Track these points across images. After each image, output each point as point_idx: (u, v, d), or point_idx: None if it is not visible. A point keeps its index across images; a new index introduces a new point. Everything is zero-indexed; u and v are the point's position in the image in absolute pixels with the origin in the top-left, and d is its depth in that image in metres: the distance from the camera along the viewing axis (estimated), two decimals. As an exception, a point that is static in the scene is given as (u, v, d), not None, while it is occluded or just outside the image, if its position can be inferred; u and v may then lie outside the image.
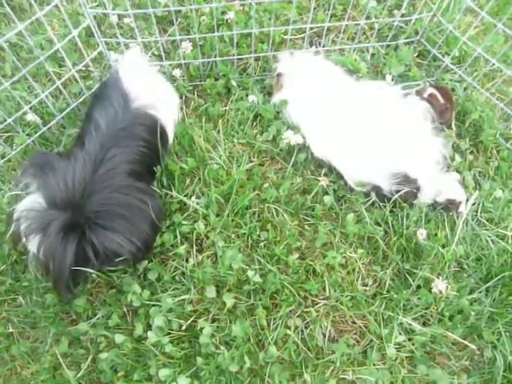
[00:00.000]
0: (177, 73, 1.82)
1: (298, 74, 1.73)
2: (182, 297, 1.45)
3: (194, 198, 1.58)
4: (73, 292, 1.39)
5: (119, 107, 1.45)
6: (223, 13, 1.89)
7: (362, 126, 1.60)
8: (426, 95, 1.73)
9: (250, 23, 1.78)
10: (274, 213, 1.58)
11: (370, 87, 1.71)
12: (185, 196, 1.60)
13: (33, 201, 1.32)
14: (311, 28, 1.85)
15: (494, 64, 1.83)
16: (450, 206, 1.63)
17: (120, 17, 1.89)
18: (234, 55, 1.79)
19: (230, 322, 1.44)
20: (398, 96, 1.68)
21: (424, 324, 1.50)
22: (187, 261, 1.52)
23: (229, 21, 1.81)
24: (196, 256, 1.53)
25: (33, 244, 1.29)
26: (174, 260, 1.53)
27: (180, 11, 1.94)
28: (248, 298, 1.48)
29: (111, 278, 1.48)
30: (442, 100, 1.69)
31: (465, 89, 1.89)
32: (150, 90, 1.54)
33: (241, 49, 1.84)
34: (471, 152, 1.82)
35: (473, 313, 1.48)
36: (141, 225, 1.39)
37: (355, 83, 1.75)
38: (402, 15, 1.89)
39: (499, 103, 1.83)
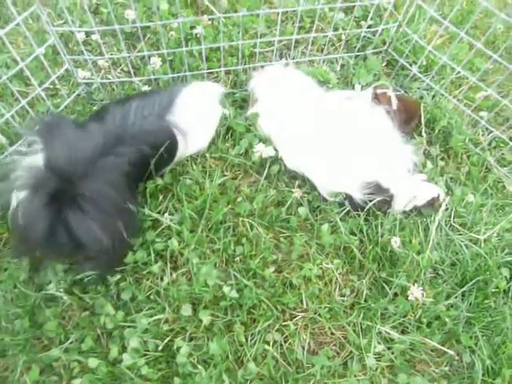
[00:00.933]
0: (147, 89, 1.80)
1: (270, 87, 1.74)
2: (158, 316, 1.42)
3: (167, 214, 1.56)
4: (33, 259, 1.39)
5: (156, 111, 1.48)
6: (192, 27, 1.89)
7: (332, 136, 1.60)
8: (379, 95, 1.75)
9: (219, 37, 1.78)
10: (249, 227, 1.57)
11: (340, 97, 1.72)
12: (158, 213, 1.57)
13: (32, 161, 1.30)
14: (280, 41, 1.86)
15: (460, 71, 1.87)
16: (433, 204, 1.65)
17: (88, 33, 1.87)
18: (203, 69, 1.79)
19: (208, 340, 1.41)
20: (367, 105, 1.70)
21: (402, 332, 1.50)
22: (162, 279, 1.49)
23: (198, 35, 1.81)
24: (171, 274, 1.50)
25: (17, 199, 1.28)
26: (148, 279, 1.50)
27: (149, 27, 1.93)
28: (225, 315, 1.45)
29: (83, 301, 1.44)
30: (403, 111, 1.71)
31: (433, 96, 1.92)
32: (193, 119, 1.56)
33: (211, 63, 1.84)
34: (442, 158, 1.84)
35: (450, 318, 1.49)
36: (121, 227, 1.37)
37: (325, 94, 1.76)
38: (369, 26, 1.92)
39: (466, 109, 1.86)
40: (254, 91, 1.76)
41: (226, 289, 1.44)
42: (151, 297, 1.47)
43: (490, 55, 1.63)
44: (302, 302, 1.50)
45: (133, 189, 1.50)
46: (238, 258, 1.54)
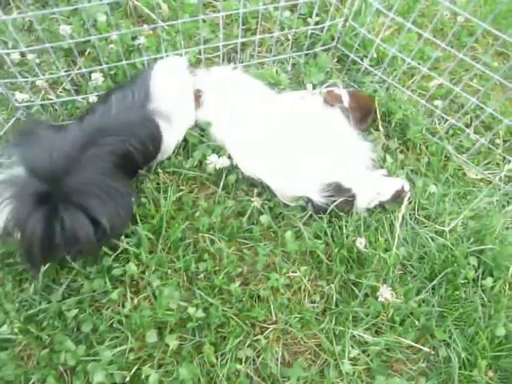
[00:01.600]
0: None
1: (216, 90, 1.68)
2: (122, 347, 1.34)
3: (123, 237, 1.48)
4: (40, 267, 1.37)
5: (137, 101, 1.47)
6: (133, 38, 1.81)
7: (285, 139, 1.56)
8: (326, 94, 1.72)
9: (162, 46, 1.71)
10: (209, 241, 1.51)
11: (292, 98, 1.67)
12: (114, 236, 1.50)
13: (12, 172, 1.29)
14: (226, 45, 1.79)
15: (410, 62, 1.85)
16: (398, 197, 1.63)
17: (23, 53, 1.76)
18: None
19: (177, 365, 1.35)
20: (320, 105, 1.65)
21: (376, 333, 1.47)
22: (123, 306, 1.42)
23: (140, 46, 1.73)
24: (132, 299, 1.42)
25: (3, 215, 1.26)
26: (108, 307, 1.42)
27: (88, 41, 1.83)
28: (193, 336, 1.39)
29: (41, 338, 1.35)
30: (357, 108, 1.68)
31: (387, 89, 1.90)
32: (172, 102, 1.56)
33: (156, 73, 1.76)
34: (401, 151, 1.83)
35: (422, 314, 1.46)
36: (113, 215, 1.36)
37: (276, 96, 1.71)
38: (316, 23, 1.88)
39: (421, 100, 1.85)
40: (199, 92, 1.69)
41: (191, 310, 1.38)
42: (114, 325, 1.39)
43: (438, 43, 1.61)
44: (271, 313, 1.45)
45: (124, 176, 1.47)
46: (201, 275, 1.48)
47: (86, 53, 1.85)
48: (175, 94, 1.59)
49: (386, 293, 1.40)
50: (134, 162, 1.49)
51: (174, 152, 1.66)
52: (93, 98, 1.66)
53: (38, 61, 1.78)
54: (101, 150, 1.36)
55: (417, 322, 1.46)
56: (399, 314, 1.46)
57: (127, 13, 1.93)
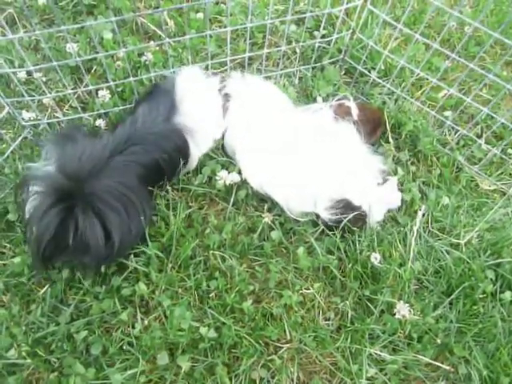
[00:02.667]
0: (101, 123, 1.70)
1: (240, 98, 1.66)
2: (133, 370, 1.30)
3: (132, 256, 1.45)
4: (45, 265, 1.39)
5: (162, 114, 1.49)
6: (140, 55, 1.80)
7: (295, 153, 1.53)
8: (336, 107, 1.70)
9: (170, 62, 1.70)
10: (220, 259, 1.47)
11: (304, 113, 1.65)
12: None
13: (45, 169, 1.36)
14: (233, 60, 1.78)
15: (419, 73, 1.83)
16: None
17: (29, 72, 1.76)
18: (156, 97, 1.70)
19: (190, 387, 1.31)
20: (331, 118, 1.63)
21: (394, 350, 1.43)
22: (133, 327, 1.38)
23: (147, 62, 1.72)
24: (142, 320, 1.39)
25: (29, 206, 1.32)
26: (118, 328, 1.39)
27: (95, 58, 1.83)
28: (205, 357, 1.35)
29: (49, 362, 1.32)
30: (367, 121, 1.66)
31: (395, 101, 1.88)
32: (199, 115, 1.57)
33: (163, 90, 1.75)
34: (412, 163, 1.80)
35: (440, 330, 1.42)
36: (128, 229, 1.37)
37: (291, 110, 1.69)
38: (323, 36, 1.88)
39: (430, 111, 1.82)
40: (227, 97, 1.67)
41: (203, 330, 1.34)
42: (124, 347, 1.36)
43: (447, 53, 1.60)
44: (285, 332, 1.41)
45: (145, 192, 1.48)
46: (212, 294, 1.44)
47: (93, 70, 1.84)
48: (201, 106, 1.60)
49: (403, 309, 1.36)
50: (160, 173, 1.50)
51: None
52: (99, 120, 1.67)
53: (44, 79, 1.78)
54: (127, 158, 1.39)
55: (435, 339, 1.41)
56: (417, 331, 1.42)
57: (133, 30, 1.93)
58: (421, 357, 1.39)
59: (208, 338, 1.34)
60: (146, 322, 1.38)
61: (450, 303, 1.49)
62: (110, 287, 1.42)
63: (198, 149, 1.60)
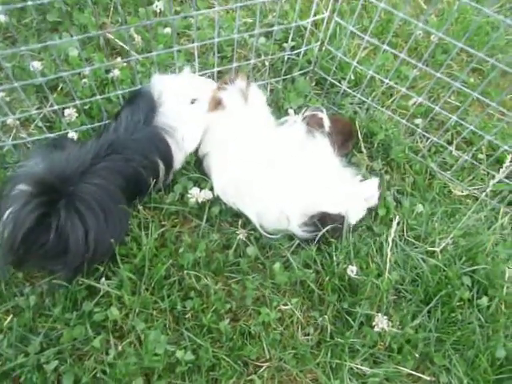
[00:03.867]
0: (73, 135, 1.64)
1: (239, 100, 1.64)
2: (107, 400, 1.26)
3: (103, 279, 1.40)
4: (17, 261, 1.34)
5: (144, 117, 1.50)
6: (107, 71, 1.77)
7: (269, 170, 1.51)
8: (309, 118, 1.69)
9: (138, 78, 1.67)
10: (195, 278, 1.44)
11: (279, 128, 1.65)
12: (95, 279, 1.42)
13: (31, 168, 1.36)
14: (202, 74, 1.76)
15: (388, 83, 1.84)
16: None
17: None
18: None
19: (168, 414, 1.27)
20: (303, 131, 1.62)
21: (374, 363, 1.42)
22: (107, 353, 1.33)
23: (114, 79, 1.69)
24: (116, 346, 1.34)
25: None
26: (91, 356, 1.33)
27: (61, 76, 1.78)
28: (183, 381, 1.32)
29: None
30: (338, 133, 1.66)
31: (366, 110, 1.88)
32: (180, 116, 1.56)
33: (132, 106, 1.72)
34: (386, 172, 1.80)
35: (419, 340, 1.41)
36: (104, 235, 1.35)
37: (268, 124, 1.68)
38: (292, 48, 1.87)
39: (401, 119, 1.83)
40: (223, 91, 1.64)
41: (179, 353, 1.31)
42: (97, 375, 1.30)
43: (414, 62, 1.61)
44: (264, 351, 1.38)
45: (123, 202, 1.45)
46: (189, 315, 1.41)
47: (59, 88, 1.79)
48: (182, 109, 1.59)
49: (382, 322, 1.35)
50: (141, 182, 1.49)
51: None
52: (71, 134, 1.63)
53: (8, 99, 1.72)
54: (108, 165, 1.40)
55: (415, 349, 1.41)
56: (396, 342, 1.41)
57: (100, 46, 1.89)
58: (402, 368, 1.38)
59: (185, 361, 1.31)
60: (119, 348, 1.34)
61: (429, 312, 1.49)
62: (81, 313, 1.37)
63: (180, 150, 1.58)
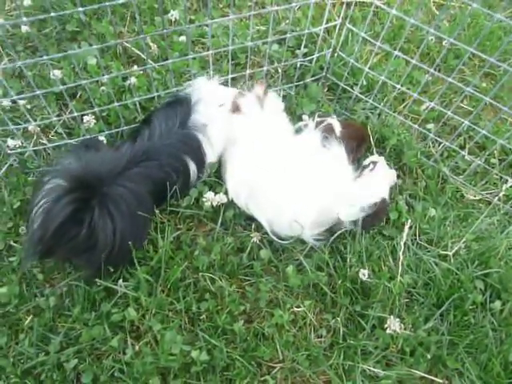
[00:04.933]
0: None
1: (256, 106, 1.68)
2: (124, 398, 1.29)
3: (120, 281, 1.44)
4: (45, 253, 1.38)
5: (178, 121, 1.56)
6: (124, 79, 1.82)
7: (280, 175, 1.53)
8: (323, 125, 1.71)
9: (154, 85, 1.72)
10: (209, 281, 1.47)
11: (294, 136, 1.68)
12: (112, 281, 1.46)
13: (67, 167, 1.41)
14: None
15: (400, 88, 1.86)
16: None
17: (14, 100, 1.76)
18: (140, 121, 1.71)
19: (184, 412, 1.30)
20: (318, 138, 1.64)
21: (387, 365, 1.43)
22: (124, 353, 1.37)
23: (131, 86, 1.74)
24: (133, 346, 1.38)
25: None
26: (109, 355, 1.37)
27: (80, 84, 1.84)
28: (198, 381, 1.34)
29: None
30: (350, 139, 1.67)
31: (378, 115, 1.90)
32: (210, 117, 1.61)
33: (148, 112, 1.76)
34: (398, 176, 1.81)
35: (432, 343, 1.42)
36: (129, 238, 1.38)
37: (285, 132, 1.70)
38: (304, 54, 1.90)
39: (413, 124, 1.85)
40: (240, 105, 1.68)
41: (194, 353, 1.33)
42: (115, 374, 1.34)
43: (426, 68, 1.63)
44: (277, 352, 1.40)
45: (151, 208, 1.51)
46: (203, 316, 1.44)
47: (78, 95, 1.85)
48: (213, 108, 1.64)
49: (394, 324, 1.36)
50: (171, 186, 1.52)
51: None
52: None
53: (29, 106, 1.78)
54: (141, 171, 1.45)
55: (428, 352, 1.41)
56: (409, 345, 1.42)
57: (117, 54, 1.94)
58: (414, 371, 1.39)
59: (200, 362, 1.33)
60: (136, 348, 1.37)
61: (441, 315, 1.50)
62: (99, 313, 1.41)
63: (210, 145, 1.63)
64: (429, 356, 1.40)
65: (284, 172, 1.53)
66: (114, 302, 1.43)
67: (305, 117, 1.81)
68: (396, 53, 1.62)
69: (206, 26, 2.01)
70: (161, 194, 1.53)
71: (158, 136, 1.52)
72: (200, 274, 1.48)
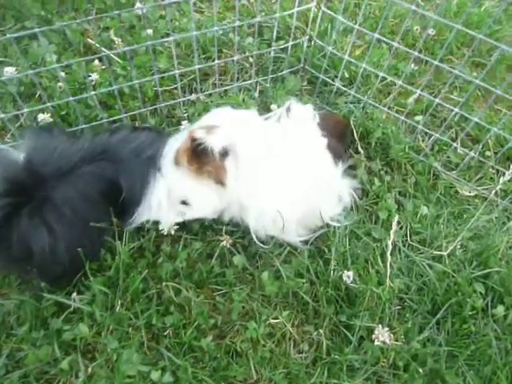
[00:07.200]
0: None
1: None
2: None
3: (74, 294, 1.28)
4: None
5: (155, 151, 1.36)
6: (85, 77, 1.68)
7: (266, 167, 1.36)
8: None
9: (118, 81, 1.58)
10: (173, 291, 1.30)
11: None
12: (66, 294, 1.29)
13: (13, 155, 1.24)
14: (185, 75, 1.67)
15: (385, 78, 1.73)
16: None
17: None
18: (101, 119, 1.56)
19: None
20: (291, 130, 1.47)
21: (378, 383, 1.25)
22: (77, 376, 1.20)
23: (93, 82, 1.60)
24: (86, 368, 1.20)
25: None
26: (59, 380, 1.20)
27: (40, 83, 1.70)
28: (160, 407, 1.17)
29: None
30: (330, 133, 1.47)
31: (362, 109, 1.76)
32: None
33: (112, 111, 1.62)
34: (386, 172, 1.66)
35: (428, 356, 1.25)
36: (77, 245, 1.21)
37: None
38: (278, 43, 1.75)
39: (400, 116, 1.71)
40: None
41: (155, 375, 1.16)
42: (66, 402, 1.17)
43: (411, 56, 1.49)
44: (251, 370, 1.23)
45: (105, 210, 1.30)
46: (168, 331, 1.27)
47: (37, 95, 1.71)
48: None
49: (382, 335, 1.19)
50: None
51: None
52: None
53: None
54: (94, 170, 1.27)
55: (423, 366, 1.24)
56: (402, 358, 1.25)
57: (80, 51, 1.81)
58: (409, 388, 1.22)
59: (162, 384, 1.16)
60: (89, 371, 1.20)
61: (437, 324, 1.33)
62: (49, 332, 1.24)
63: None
64: (425, 369, 1.23)
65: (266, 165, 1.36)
66: (66, 318, 1.26)
67: (273, 106, 1.65)
68: (376, 35, 1.49)
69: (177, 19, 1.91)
70: (119, 198, 1.33)
71: (133, 149, 1.32)
72: (163, 283, 1.31)
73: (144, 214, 1.36)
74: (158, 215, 1.38)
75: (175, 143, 1.36)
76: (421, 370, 1.20)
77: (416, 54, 1.46)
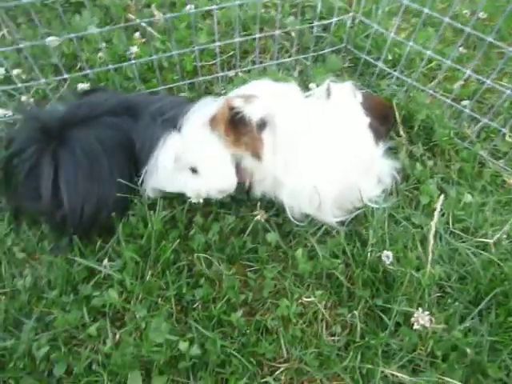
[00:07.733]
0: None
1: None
2: (99, 394, 1.10)
3: (106, 261, 1.27)
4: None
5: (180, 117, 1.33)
6: (126, 51, 1.68)
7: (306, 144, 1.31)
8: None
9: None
10: (204, 263, 1.27)
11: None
12: (97, 260, 1.29)
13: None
14: (225, 51, 1.64)
15: (430, 62, 1.65)
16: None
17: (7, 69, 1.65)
18: (139, 91, 1.56)
19: (168, 415, 1.09)
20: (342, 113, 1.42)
21: (414, 371, 1.19)
22: (105, 343, 1.18)
23: (132, 55, 1.59)
24: (114, 335, 1.19)
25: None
26: (87, 345, 1.19)
27: (77, 56, 1.71)
28: (187, 379, 1.14)
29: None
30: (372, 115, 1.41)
31: (406, 91, 1.69)
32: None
33: (149, 83, 1.61)
34: (428, 158, 1.59)
35: (469, 347, 1.17)
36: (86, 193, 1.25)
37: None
38: (324, 29, 1.70)
39: (446, 99, 1.63)
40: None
41: (182, 345, 1.13)
42: (92, 367, 1.15)
43: (460, 38, 1.42)
44: (281, 349, 1.18)
45: (124, 162, 1.33)
46: (197, 304, 1.24)
47: (78, 67, 1.72)
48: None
49: (422, 318, 1.13)
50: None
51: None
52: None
53: (24, 77, 1.66)
54: (118, 122, 1.31)
55: (464, 358, 1.17)
56: (441, 347, 1.18)
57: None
58: (447, 379, 1.14)
59: (190, 356, 1.13)
60: (117, 337, 1.18)
61: (480, 314, 1.25)
62: (78, 297, 1.23)
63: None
64: (465, 360, 1.15)
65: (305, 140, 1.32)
66: (97, 284, 1.25)
67: (312, 85, 1.60)
68: (426, 10, 1.42)
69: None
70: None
71: (156, 109, 1.33)
72: (195, 255, 1.29)
73: (152, 174, 1.34)
74: (162, 177, 1.34)
75: (204, 107, 1.33)
76: (465, 363, 1.13)
77: (468, 29, 1.39)
